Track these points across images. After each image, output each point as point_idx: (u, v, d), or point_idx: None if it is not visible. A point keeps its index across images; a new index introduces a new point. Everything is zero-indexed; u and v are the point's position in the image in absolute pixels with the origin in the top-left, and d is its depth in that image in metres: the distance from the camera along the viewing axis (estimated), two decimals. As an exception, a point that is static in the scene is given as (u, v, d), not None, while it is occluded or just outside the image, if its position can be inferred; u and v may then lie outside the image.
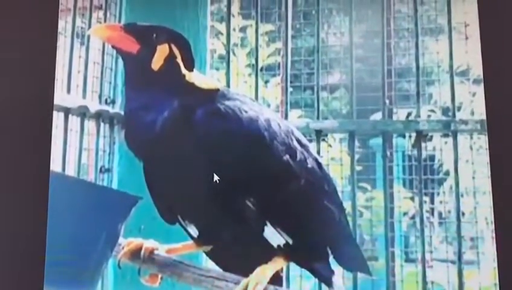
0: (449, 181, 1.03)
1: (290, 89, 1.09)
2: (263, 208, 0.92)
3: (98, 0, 1.12)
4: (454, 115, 1.04)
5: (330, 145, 1.07)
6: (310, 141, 1.04)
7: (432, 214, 1.03)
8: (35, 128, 1.06)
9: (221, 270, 0.96)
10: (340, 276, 0.96)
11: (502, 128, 0.99)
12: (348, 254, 0.97)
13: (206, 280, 0.93)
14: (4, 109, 1.08)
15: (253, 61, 1.10)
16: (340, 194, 1.00)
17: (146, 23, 0.98)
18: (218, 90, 0.97)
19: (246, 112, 0.93)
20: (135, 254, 0.97)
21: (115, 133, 1.09)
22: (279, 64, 1.10)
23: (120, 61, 1.03)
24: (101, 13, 1.12)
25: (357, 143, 1.06)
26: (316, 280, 0.98)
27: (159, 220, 0.97)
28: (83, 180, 1.08)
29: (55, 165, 1.04)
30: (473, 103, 1.03)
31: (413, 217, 1.03)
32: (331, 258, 0.95)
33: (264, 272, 0.92)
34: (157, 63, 0.96)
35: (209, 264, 0.99)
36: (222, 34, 1.11)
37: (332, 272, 0.95)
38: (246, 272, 0.92)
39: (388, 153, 1.05)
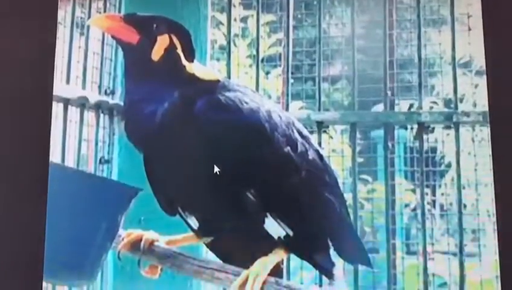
0: (451, 173, 1.03)
1: (291, 80, 1.08)
2: (264, 199, 0.91)
3: (98, -10, 1.11)
4: (456, 107, 1.04)
5: (331, 137, 1.06)
6: (311, 132, 1.03)
7: (434, 206, 1.03)
8: (35, 119, 1.05)
9: (221, 261, 0.96)
10: (340, 268, 0.96)
11: (504, 120, 0.98)
12: (349, 246, 0.97)
13: (206, 272, 0.93)
14: (3, 100, 1.08)
15: (254, 52, 1.09)
16: (341, 186, 0.99)
17: (146, 14, 0.97)
18: (218, 81, 0.96)
19: (246, 103, 0.93)
20: (135, 245, 0.97)
21: (115, 124, 1.09)
22: (280, 55, 1.09)
23: (120, 52, 1.02)
24: (100, 3, 1.11)
25: (358, 135, 1.05)
26: (317, 271, 0.98)
27: (159, 212, 0.97)
28: (83, 172, 1.07)
29: (54, 156, 1.03)
30: (476, 95, 1.03)
31: (414, 209, 1.02)
32: (331, 250, 0.95)
33: (264, 264, 0.91)
34: (157, 53, 0.95)
35: (210, 256, 0.99)
36: (223, 24, 1.11)
37: (333, 264, 0.95)
38: (247, 263, 0.91)
39: (390, 145, 1.05)
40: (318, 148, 0.98)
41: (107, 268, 1.01)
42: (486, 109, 0.99)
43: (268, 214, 0.92)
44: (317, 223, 0.95)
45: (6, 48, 1.09)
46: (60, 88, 1.06)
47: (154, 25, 0.96)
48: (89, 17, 1.10)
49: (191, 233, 0.98)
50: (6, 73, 1.08)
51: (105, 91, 1.10)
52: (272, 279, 0.91)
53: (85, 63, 1.10)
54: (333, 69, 1.08)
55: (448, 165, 1.03)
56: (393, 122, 1.05)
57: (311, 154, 0.95)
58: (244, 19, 1.11)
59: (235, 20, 1.10)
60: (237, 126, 0.92)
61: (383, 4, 1.07)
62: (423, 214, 1.01)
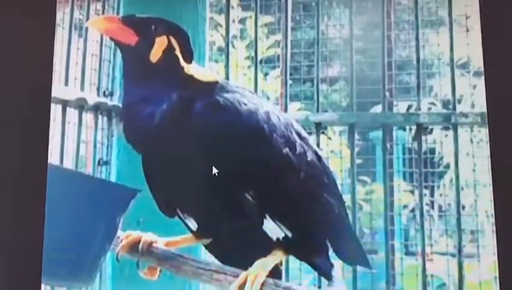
0: (449, 174, 1.03)
1: (289, 82, 1.08)
2: (262, 201, 0.91)
3: (96, -9, 1.11)
4: (454, 108, 1.04)
5: (330, 138, 1.06)
6: (310, 133, 1.03)
7: (432, 207, 1.03)
8: (33, 121, 1.05)
9: (220, 263, 0.96)
10: (339, 269, 0.96)
11: (502, 121, 0.98)
12: (348, 247, 0.97)
13: (205, 273, 0.93)
14: (2, 102, 1.07)
15: (253, 54, 1.09)
16: (339, 187, 0.99)
17: (144, 15, 0.97)
18: (217, 82, 0.96)
19: (245, 104, 0.93)
20: (134, 247, 0.97)
21: (113, 126, 1.09)
22: (278, 56, 1.09)
23: (118, 54, 1.02)
24: (99, 5, 1.11)
25: (357, 136, 1.05)
26: (316, 273, 0.98)
27: (157, 213, 0.96)
28: (81, 173, 1.07)
29: (53, 158, 1.03)
30: (474, 96, 1.03)
31: (413, 210, 1.02)
32: (330, 252, 0.95)
33: (263, 265, 0.91)
34: (155, 55, 0.95)
35: (208, 257, 0.99)
36: (221, 25, 1.11)
37: (332, 265, 0.95)
38: (245, 265, 0.91)
39: (388, 146, 1.05)
40: (317, 149, 0.98)
41: (105, 270, 1.01)
42: (485, 109, 0.99)
43: (267, 216, 0.92)
44: (316, 224, 0.95)
45: (5, 50, 1.09)
46: (58, 90, 1.06)
47: (153, 27, 0.96)
48: (88, 18, 1.10)
49: (190, 234, 0.98)
50: (4, 75, 1.08)
51: (104, 93, 1.10)
52: (271, 280, 0.91)
53: (83, 65, 1.10)
54: (331, 71, 1.08)
55: (447, 166, 1.03)
56: (391, 123, 1.05)
57: (310, 156, 0.95)
58: (242, 21, 1.11)
59: (233, 21, 1.10)
60: (236, 127, 0.92)
61: (381, 5, 1.07)
62: (422, 215, 1.01)
